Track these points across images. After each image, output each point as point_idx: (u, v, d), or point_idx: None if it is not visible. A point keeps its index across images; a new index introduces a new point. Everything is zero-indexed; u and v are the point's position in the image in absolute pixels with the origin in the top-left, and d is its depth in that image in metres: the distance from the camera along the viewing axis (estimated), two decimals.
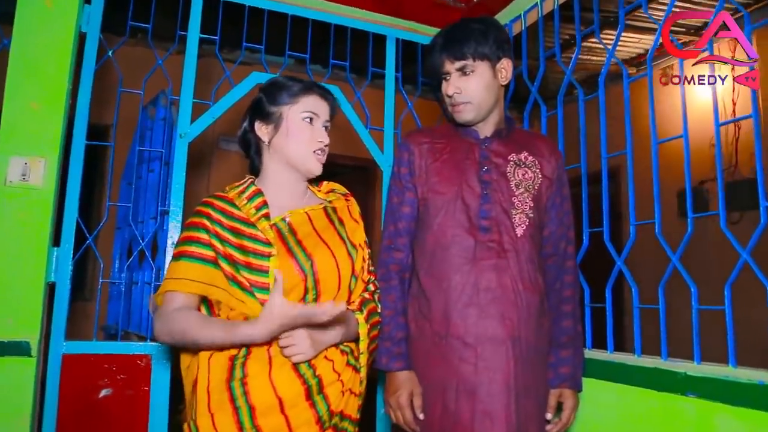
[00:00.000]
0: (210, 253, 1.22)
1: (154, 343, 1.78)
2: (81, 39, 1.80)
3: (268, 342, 1.20)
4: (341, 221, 1.38)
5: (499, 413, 1.29)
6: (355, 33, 2.22)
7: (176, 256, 1.24)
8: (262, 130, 1.33)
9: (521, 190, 1.42)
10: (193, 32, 1.92)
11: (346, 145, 3.43)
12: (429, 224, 1.44)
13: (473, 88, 1.41)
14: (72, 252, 1.72)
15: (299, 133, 1.30)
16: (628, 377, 1.47)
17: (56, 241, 1.72)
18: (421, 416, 1.36)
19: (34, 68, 1.69)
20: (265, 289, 1.21)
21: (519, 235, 1.39)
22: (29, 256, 1.64)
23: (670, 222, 1.49)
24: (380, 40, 2.24)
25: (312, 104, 1.32)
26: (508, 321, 1.34)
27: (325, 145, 1.33)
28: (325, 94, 1.35)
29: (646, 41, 4.11)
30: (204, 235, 1.23)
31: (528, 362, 1.35)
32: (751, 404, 1.18)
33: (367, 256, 1.40)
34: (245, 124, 1.36)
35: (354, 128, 2.15)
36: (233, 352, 1.20)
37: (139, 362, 1.76)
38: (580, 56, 1.81)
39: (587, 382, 1.55)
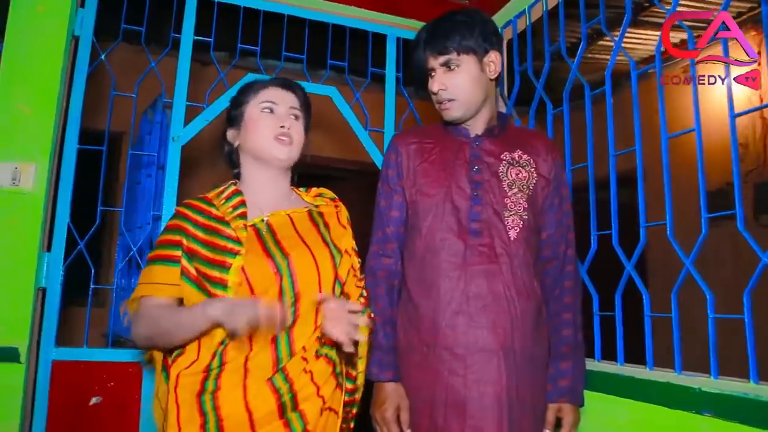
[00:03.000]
0: (178, 253, 1.19)
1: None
2: (74, 42, 1.79)
3: (245, 355, 1.14)
4: (327, 226, 1.32)
5: (490, 430, 1.19)
6: (354, 33, 2.17)
7: (151, 260, 1.21)
8: (231, 134, 1.32)
9: (515, 190, 1.33)
10: (187, 34, 1.89)
11: (348, 149, 3.39)
12: (418, 228, 1.36)
13: (459, 83, 1.32)
14: (63, 257, 1.70)
15: (258, 124, 1.26)
16: (639, 392, 1.35)
17: (49, 246, 1.70)
18: None
19: (26, 73, 1.68)
20: (222, 284, 1.15)
21: (512, 239, 1.30)
22: (20, 261, 1.62)
23: (694, 223, 1.32)
24: (380, 40, 2.18)
25: (270, 95, 1.28)
26: (500, 330, 1.25)
27: (289, 128, 1.26)
28: (288, 84, 1.32)
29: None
30: (179, 237, 1.20)
31: (524, 375, 1.25)
32: None
33: (357, 265, 1.34)
34: (222, 133, 1.35)
35: (353, 130, 2.09)
36: (206, 364, 1.14)
37: (129, 369, 1.72)
38: (597, 56, 1.69)
39: (594, 397, 1.43)
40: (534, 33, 2.08)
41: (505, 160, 1.37)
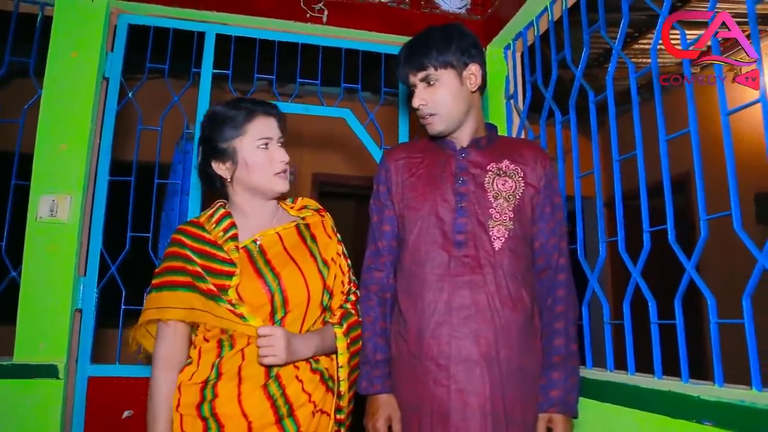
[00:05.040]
0: (186, 279, 1.25)
1: None
2: (104, 83, 1.95)
3: (239, 365, 1.21)
4: (314, 237, 1.37)
5: None
6: (367, 54, 2.24)
7: (158, 287, 1.27)
8: (220, 168, 1.32)
9: (500, 200, 1.34)
10: (207, 69, 2.03)
11: (364, 167, 3.45)
12: (405, 241, 1.39)
13: (439, 98, 1.35)
14: (97, 280, 1.84)
15: (258, 163, 1.29)
16: (645, 402, 1.31)
17: (84, 270, 1.85)
18: None
19: (62, 113, 1.85)
20: (230, 303, 1.22)
21: (497, 249, 1.31)
22: (57, 285, 1.77)
23: (745, 228, 1.22)
24: (393, 59, 2.24)
25: (260, 129, 1.29)
26: (483, 340, 1.26)
27: (287, 163, 1.32)
28: (268, 110, 1.32)
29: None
30: (179, 263, 1.27)
31: (511, 386, 1.25)
32: None
33: (346, 268, 1.39)
34: (200, 160, 1.36)
35: (367, 149, 2.15)
36: (205, 376, 1.22)
37: None
38: (639, 60, 1.65)
39: (601, 408, 1.40)
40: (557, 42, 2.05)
41: (491, 170, 1.38)
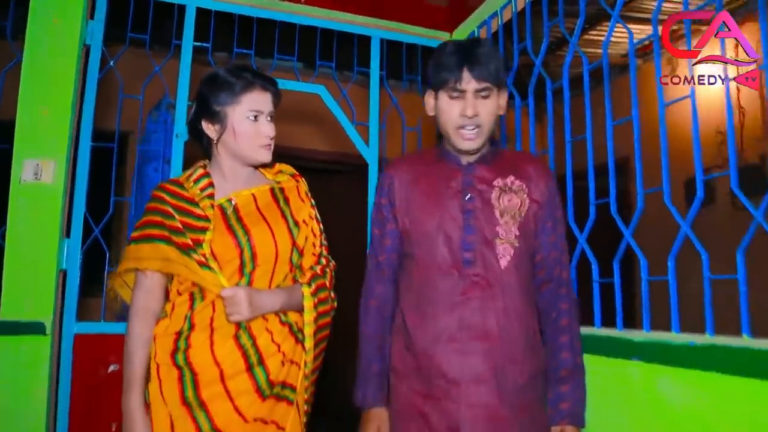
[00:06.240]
0: (163, 233, 1.34)
1: None
2: (85, 50, 1.99)
3: (210, 316, 1.32)
4: (287, 200, 1.46)
5: None
6: (341, 34, 2.36)
7: (136, 239, 1.36)
8: (209, 128, 1.38)
9: (506, 218, 1.36)
10: (187, 41, 2.09)
11: (336, 142, 3.58)
12: (413, 258, 1.40)
13: (487, 113, 1.33)
14: (81, 242, 1.91)
15: (245, 133, 1.35)
16: (588, 347, 1.49)
17: (68, 232, 1.91)
18: None
19: (44, 78, 1.88)
20: (203, 257, 1.31)
21: (503, 267, 1.33)
22: (43, 247, 1.83)
23: (677, 206, 1.41)
24: (364, 39, 2.38)
25: (254, 102, 1.35)
26: (492, 358, 1.29)
27: (272, 138, 1.40)
28: (266, 85, 1.37)
29: (649, 32, 4.10)
30: (158, 218, 1.36)
31: (518, 395, 1.30)
32: (686, 364, 1.25)
33: (318, 232, 1.48)
34: (192, 115, 1.42)
35: (340, 124, 2.29)
36: (178, 327, 1.32)
37: None
38: (581, 50, 1.79)
39: None
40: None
41: (497, 186, 1.39)
